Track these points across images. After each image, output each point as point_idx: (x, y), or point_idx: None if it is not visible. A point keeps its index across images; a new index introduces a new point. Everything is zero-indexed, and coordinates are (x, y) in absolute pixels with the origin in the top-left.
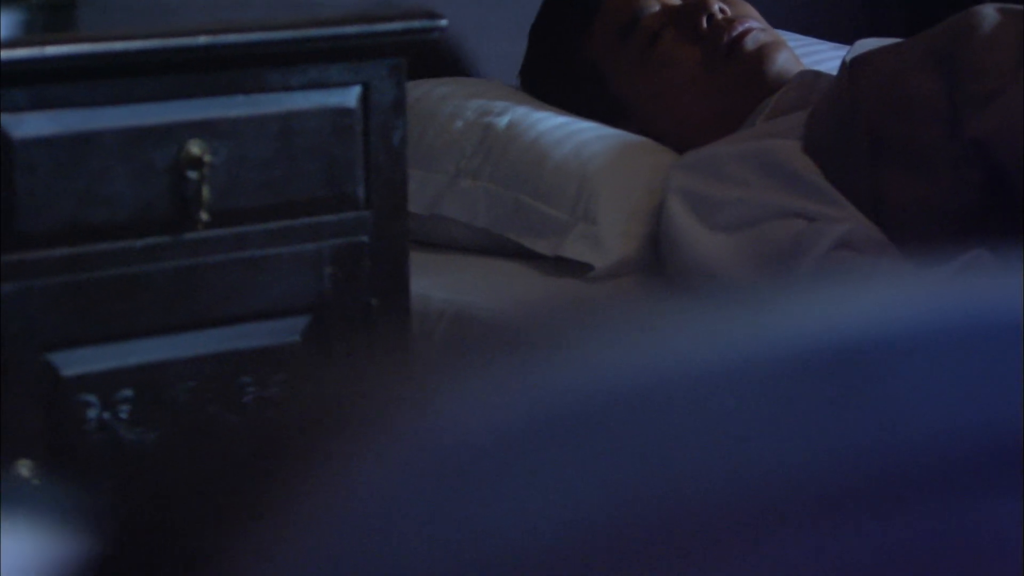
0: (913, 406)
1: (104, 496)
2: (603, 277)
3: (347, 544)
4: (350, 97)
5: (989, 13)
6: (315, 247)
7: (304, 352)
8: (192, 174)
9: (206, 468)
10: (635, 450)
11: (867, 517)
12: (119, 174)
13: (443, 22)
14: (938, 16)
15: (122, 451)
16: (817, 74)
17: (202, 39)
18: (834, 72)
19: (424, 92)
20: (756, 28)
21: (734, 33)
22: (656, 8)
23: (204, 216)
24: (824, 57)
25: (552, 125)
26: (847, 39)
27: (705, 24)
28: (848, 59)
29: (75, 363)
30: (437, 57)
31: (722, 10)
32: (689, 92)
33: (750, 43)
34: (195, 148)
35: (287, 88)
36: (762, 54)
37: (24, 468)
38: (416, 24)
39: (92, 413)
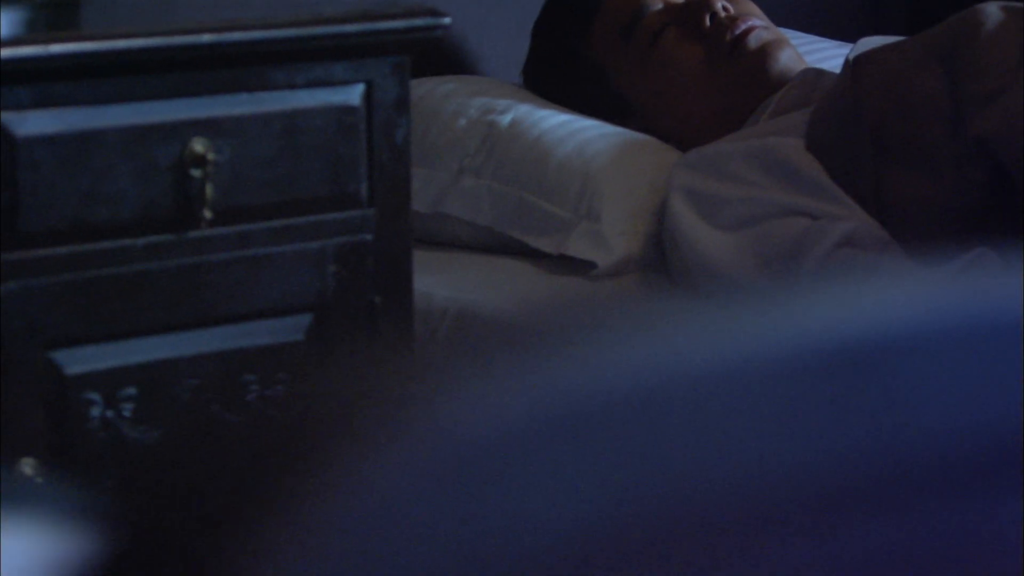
0: (916, 406)
1: (107, 494)
2: (606, 275)
3: (351, 543)
4: (354, 95)
5: (992, 11)
6: (318, 245)
7: (307, 350)
8: (196, 172)
9: (209, 466)
10: (640, 449)
11: (868, 517)
12: (122, 172)
13: (446, 20)
14: (940, 14)
15: (125, 449)
16: (820, 72)
17: (206, 37)
18: (837, 70)
19: (427, 90)
20: (759, 26)
21: (737, 31)
22: (659, 6)
23: (207, 214)
24: (827, 55)
25: (555, 123)
26: (850, 37)
27: (708, 22)
28: (851, 57)
29: (78, 361)
30: (440, 55)
31: (725, 8)
32: (692, 90)
33: (753, 41)
34: (199, 146)
35: (291, 86)
36: (765, 52)
37: (27, 466)
38: (420, 22)
39: (95, 411)
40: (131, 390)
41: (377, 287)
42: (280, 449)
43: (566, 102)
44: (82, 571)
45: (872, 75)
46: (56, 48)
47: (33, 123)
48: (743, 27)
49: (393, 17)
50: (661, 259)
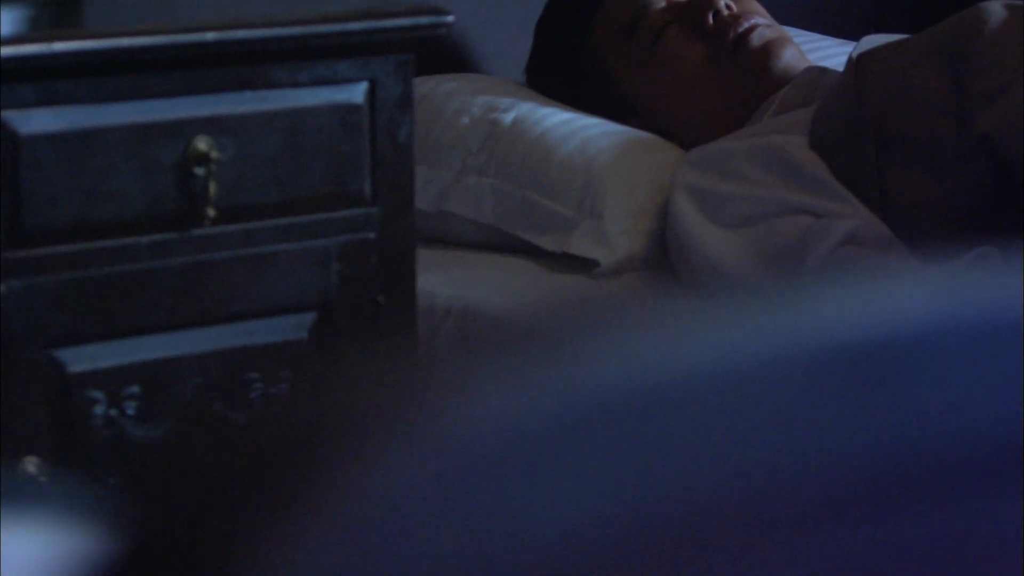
0: (921, 406)
1: (111, 493)
2: (609, 273)
3: (356, 542)
4: (357, 93)
5: (996, 9)
6: (322, 244)
7: (311, 349)
8: (199, 170)
9: (212, 465)
10: (645, 449)
11: (871, 517)
12: (126, 170)
13: (450, 18)
14: (944, 12)
15: (128, 448)
16: (823, 70)
17: (209, 35)
18: (840, 68)
19: (430, 88)
20: (762, 24)
21: (740, 29)
22: (661, 4)
23: (211, 212)
24: (830, 53)
25: (558, 121)
26: (853, 35)
27: (711, 20)
28: (854, 55)
29: (82, 360)
30: (443, 53)
31: (728, 6)
32: (695, 88)
33: (756, 39)
34: (202, 144)
35: (294, 84)
36: (768, 50)
37: (30, 465)
38: (423, 20)
39: (99, 410)
40: (134, 388)
41: (380, 285)
42: (283, 448)
43: (569, 100)
44: (85, 570)
45: (875, 73)
46: (59, 46)
47: (36, 121)
48: (746, 25)
49: (397, 15)
50: (664, 257)
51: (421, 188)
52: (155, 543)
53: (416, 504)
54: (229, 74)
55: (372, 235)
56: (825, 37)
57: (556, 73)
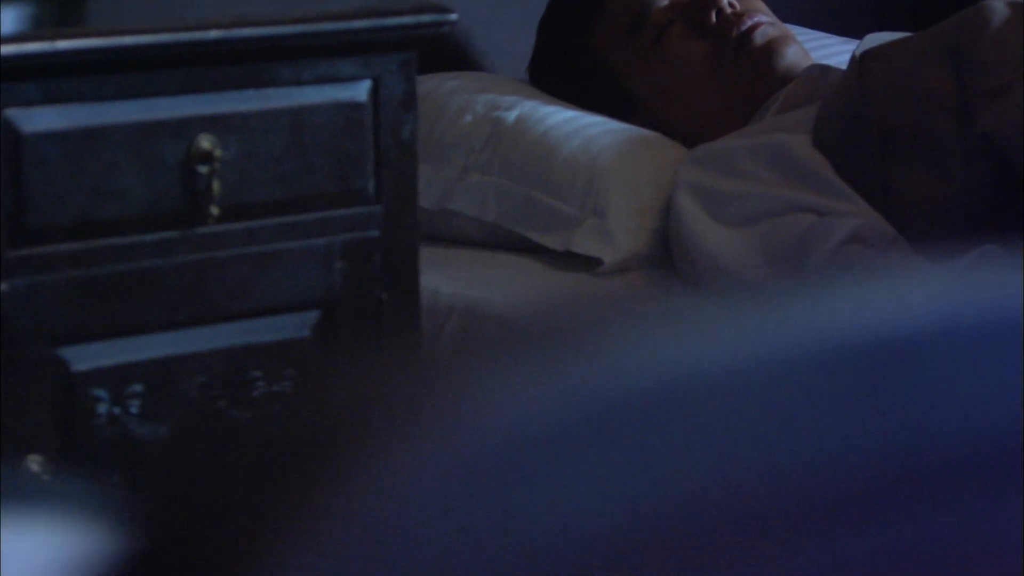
0: (924, 406)
1: (114, 491)
2: (612, 272)
3: (360, 541)
4: (360, 91)
5: (999, 7)
6: (325, 242)
7: (314, 347)
8: (202, 169)
9: (216, 463)
10: (655, 450)
11: (875, 517)
12: (129, 169)
13: (453, 16)
14: (946, 10)
15: (132, 446)
16: (826, 68)
17: (213, 33)
18: (843, 66)
19: (433, 86)
20: (765, 22)
21: (743, 27)
22: (664, 2)
23: (214, 211)
24: (833, 51)
25: (561, 119)
26: (856, 33)
27: (714, 18)
28: (858, 53)
29: (85, 358)
30: (446, 51)
31: (731, 4)
32: (698, 87)
33: (759, 37)
34: (205, 143)
35: (298, 82)
36: (771, 48)
37: (34, 463)
38: (426, 18)
39: (102, 408)
40: (138, 387)
41: (384, 284)
42: (287, 446)
43: (572, 98)
44: (90, 569)
45: (879, 71)
46: (63, 44)
47: (40, 119)
48: (749, 23)
49: (400, 13)
50: (667, 256)
51: (424, 186)
52: (159, 542)
53: (422, 503)
54: (232, 72)
55: (375, 233)
56: (828, 35)
57: (559, 71)
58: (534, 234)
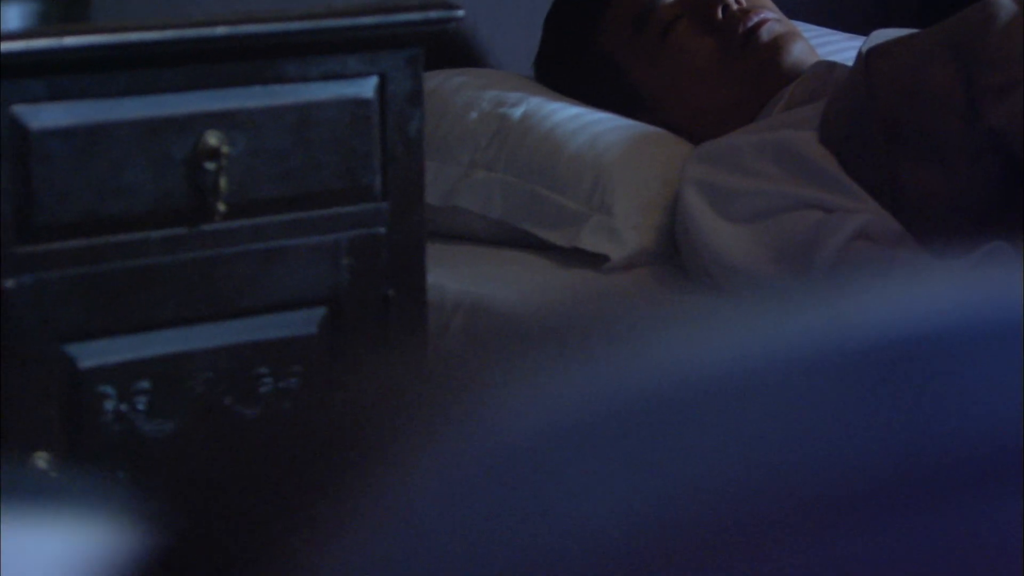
0: (931, 405)
1: (121, 488)
2: (619, 268)
3: (366, 539)
4: (367, 88)
5: (1006, 4)
6: (332, 238)
7: (321, 343)
8: (209, 165)
9: (223, 459)
10: (664, 450)
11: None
12: (136, 165)
13: (460, 12)
14: (953, 7)
15: (139, 443)
16: (832, 65)
17: (220, 30)
18: (849, 63)
19: (439, 83)
20: (771, 18)
21: (749, 23)
22: None
23: (221, 207)
24: (839, 48)
25: (567, 116)
26: (862, 30)
27: (720, 14)
28: (864, 50)
29: (92, 355)
30: (452, 48)
31: (737, 1)
32: (704, 83)
33: (765, 34)
34: (212, 139)
35: (304, 79)
36: (777, 45)
37: (41, 460)
38: (433, 15)
39: (109, 405)
40: (145, 383)
41: (390, 280)
42: (293, 442)
43: (578, 95)
44: (96, 565)
45: (885, 68)
46: (70, 41)
47: (47, 116)
48: (755, 19)
49: (407, 10)
50: (674, 252)
51: (430, 183)
52: (166, 538)
53: (430, 502)
54: (239, 69)
55: (382, 230)
56: (834, 32)
57: (565, 68)
58: (540, 231)
